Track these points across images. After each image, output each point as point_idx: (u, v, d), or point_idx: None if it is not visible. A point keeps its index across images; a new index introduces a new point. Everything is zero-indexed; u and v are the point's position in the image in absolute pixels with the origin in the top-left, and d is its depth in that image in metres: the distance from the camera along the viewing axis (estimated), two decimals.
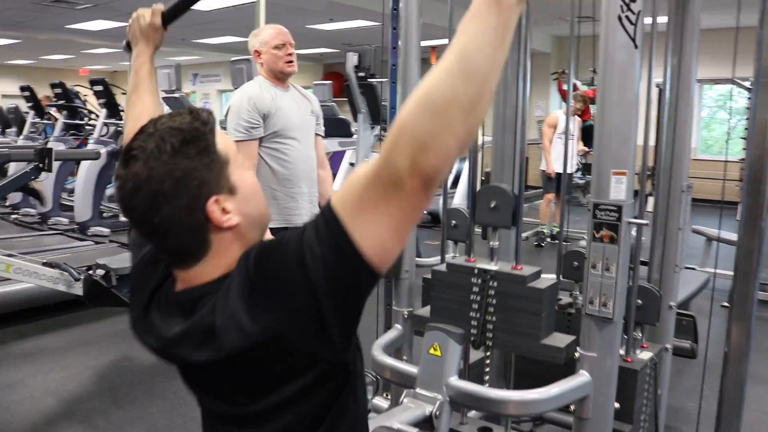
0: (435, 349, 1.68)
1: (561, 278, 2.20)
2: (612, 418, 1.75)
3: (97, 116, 7.94)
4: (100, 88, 7.36)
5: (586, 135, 7.31)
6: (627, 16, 1.55)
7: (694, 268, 5.17)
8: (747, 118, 8.60)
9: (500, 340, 1.91)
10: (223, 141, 1.03)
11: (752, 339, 2.09)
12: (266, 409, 1.03)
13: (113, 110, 7.58)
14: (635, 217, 1.70)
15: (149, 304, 1.10)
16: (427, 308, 2.06)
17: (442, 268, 2.04)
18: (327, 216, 0.91)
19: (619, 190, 1.63)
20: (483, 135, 2.68)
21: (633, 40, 1.57)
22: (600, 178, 1.65)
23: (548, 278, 1.96)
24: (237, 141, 2.63)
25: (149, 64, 1.49)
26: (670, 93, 2.14)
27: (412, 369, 1.75)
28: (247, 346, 0.94)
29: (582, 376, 1.69)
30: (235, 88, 5.93)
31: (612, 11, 1.57)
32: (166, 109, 6.89)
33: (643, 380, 1.98)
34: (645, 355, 2.03)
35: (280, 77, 2.79)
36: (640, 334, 2.04)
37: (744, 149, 8.94)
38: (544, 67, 11.81)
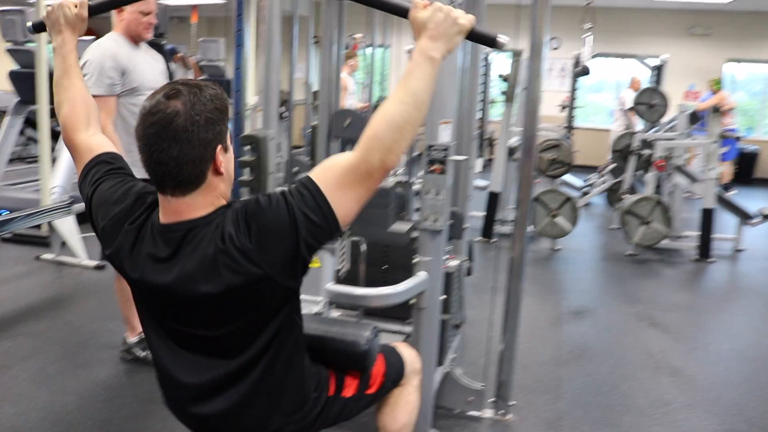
0: (315, 263, 2.13)
1: None
2: (440, 308, 2.36)
3: None
4: None
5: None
6: None
7: None
8: (482, 83, 9.96)
9: (357, 231, 2.42)
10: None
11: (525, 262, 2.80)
12: (238, 330, 1.37)
13: None
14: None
15: (135, 242, 1.37)
16: None
17: None
18: (311, 188, 1.30)
19: (445, 135, 2.21)
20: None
21: None
22: (432, 127, 2.21)
23: (391, 180, 2.47)
24: (98, 96, 2.75)
25: (75, 52, 1.67)
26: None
27: None
28: (244, 282, 1.28)
29: (420, 276, 2.25)
30: (7, 41, 5.52)
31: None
32: None
33: (455, 281, 2.63)
34: (454, 263, 2.67)
35: (136, 39, 2.94)
36: (450, 247, 2.67)
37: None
38: (303, 31, 12.34)
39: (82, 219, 5.27)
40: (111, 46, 2.85)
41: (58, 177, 5.18)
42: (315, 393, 1.58)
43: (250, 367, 1.41)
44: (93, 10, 1.68)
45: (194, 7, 11.04)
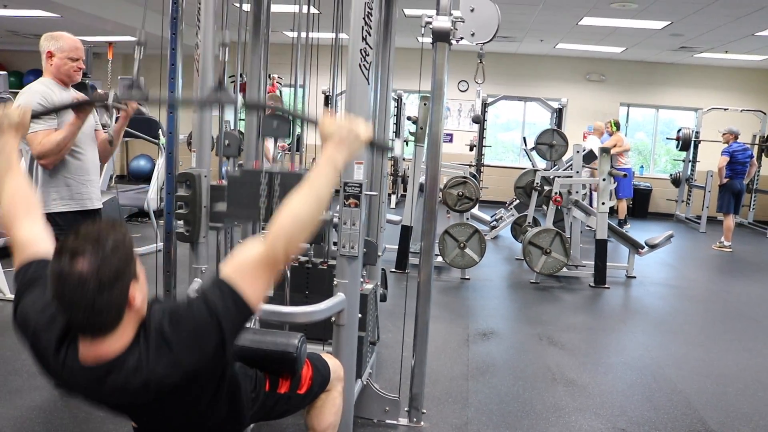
0: None
1: None
2: (357, 326, 2.66)
3: None
4: None
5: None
6: (363, 65, 2.47)
7: None
8: (395, 123, 10.46)
9: None
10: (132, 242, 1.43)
11: (431, 292, 3.14)
12: (176, 417, 1.60)
13: None
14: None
15: (59, 347, 1.42)
16: (224, 204, 2.65)
17: (237, 173, 2.67)
18: (224, 287, 1.47)
19: (360, 173, 2.54)
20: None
21: (367, 79, 2.49)
22: (348, 166, 2.54)
23: None
24: (44, 131, 2.94)
25: (17, 152, 1.82)
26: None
27: None
28: (173, 386, 1.44)
29: (339, 297, 2.55)
30: None
31: (354, 60, 2.46)
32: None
33: (370, 302, 2.95)
34: (369, 286, 2.99)
35: (66, 81, 3.14)
36: (365, 272, 3.00)
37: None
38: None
39: (5, 254, 5.30)
40: (40, 89, 3.04)
41: None
42: (253, 393, 1.86)
43: (196, 419, 1.65)
44: (35, 115, 1.93)
45: (110, 43, 11.13)
